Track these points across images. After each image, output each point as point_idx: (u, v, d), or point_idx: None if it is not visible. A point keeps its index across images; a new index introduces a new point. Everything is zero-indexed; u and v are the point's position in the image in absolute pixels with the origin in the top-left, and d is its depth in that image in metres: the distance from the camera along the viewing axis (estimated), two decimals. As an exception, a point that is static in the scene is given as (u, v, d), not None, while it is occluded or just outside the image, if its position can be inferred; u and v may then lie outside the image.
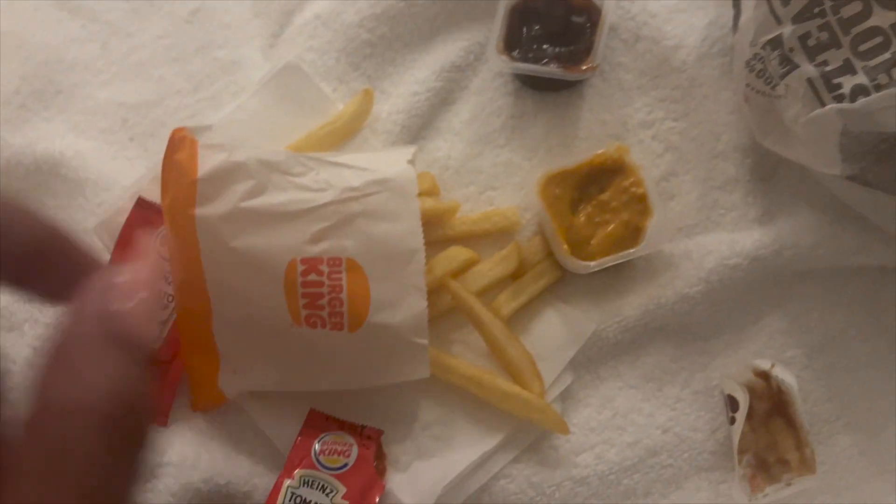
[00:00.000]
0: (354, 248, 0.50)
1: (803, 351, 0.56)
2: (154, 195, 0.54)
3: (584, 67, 0.57)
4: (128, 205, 0.54)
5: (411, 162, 0.54)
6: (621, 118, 0.60)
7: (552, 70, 0.57)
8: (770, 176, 0.59)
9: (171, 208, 0.49)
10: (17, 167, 0.59)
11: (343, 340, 0.50)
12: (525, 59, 0.58)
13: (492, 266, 0.57)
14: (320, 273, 0.49)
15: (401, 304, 0.51)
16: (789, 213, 0.57)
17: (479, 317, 0.55)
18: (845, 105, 0.46)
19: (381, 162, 0.54)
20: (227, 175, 0.50)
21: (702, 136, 0.59)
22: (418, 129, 0.61)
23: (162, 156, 0.51)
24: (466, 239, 0.58)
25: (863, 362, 0.56)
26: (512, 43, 0.58)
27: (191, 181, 0.49)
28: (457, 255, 0.56)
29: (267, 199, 0.50)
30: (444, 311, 0.56)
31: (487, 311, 0.55)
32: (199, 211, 0.49)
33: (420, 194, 0.53)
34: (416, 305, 0.51)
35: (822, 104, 0.47)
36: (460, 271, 0.57)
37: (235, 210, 0.49)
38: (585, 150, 0.57)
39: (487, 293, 0.57)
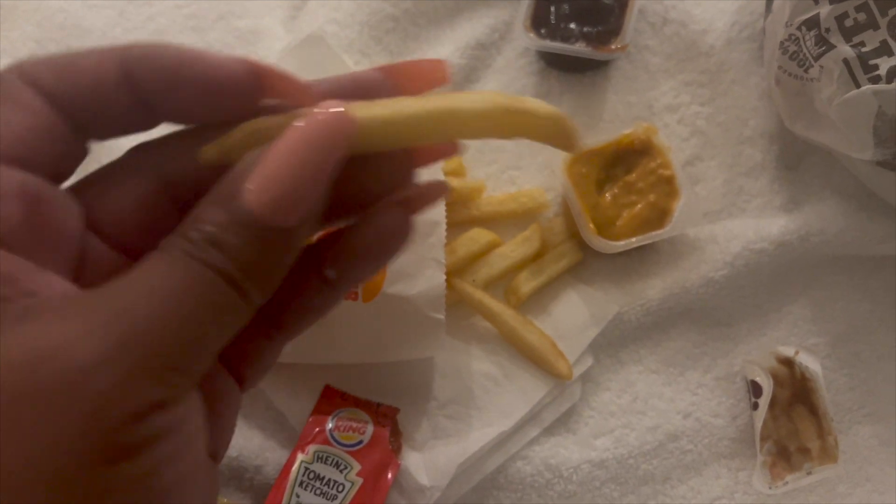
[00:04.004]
0: None
1: (826, 339, 0.56)
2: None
3: (613, 47, 0.56)
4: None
5: None
6: (647, 101, 0.59)
7: (581, 49, 0.56)
8: (796, 164, 0.58)
9: None
10: (30, 130, 0.58)
11: (357, 311, 0.49)
12: (553, 38, 0.57)
13: (514, 248, 0.56)
14: None
15: (418, 276, 0.49)
16: (816, 200, 0.56)
17: (489, 309, 0.54)
18: (881, 86, 0.46)
19: None
20: None
21: (728, 122, 0.58)
22: (440, 106, 0.60)
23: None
24: (489, 220, 0.57)
25: (886, 353, 0.56)
26: (539, 21, 0.58)
27: None
28: (479, 237, 0.55)
29: None
30: (455, 302, 0.55)
31: (497, 301, 0.54)
32: None
33: (446, 174, 0.52)
34: (434, 278, 0.49)
35: (858, 85, 0.47)
36: (482, 253, 0.56)
37: None
38: (610, 131, 0.57)
39: (509, 275, 0.56)
